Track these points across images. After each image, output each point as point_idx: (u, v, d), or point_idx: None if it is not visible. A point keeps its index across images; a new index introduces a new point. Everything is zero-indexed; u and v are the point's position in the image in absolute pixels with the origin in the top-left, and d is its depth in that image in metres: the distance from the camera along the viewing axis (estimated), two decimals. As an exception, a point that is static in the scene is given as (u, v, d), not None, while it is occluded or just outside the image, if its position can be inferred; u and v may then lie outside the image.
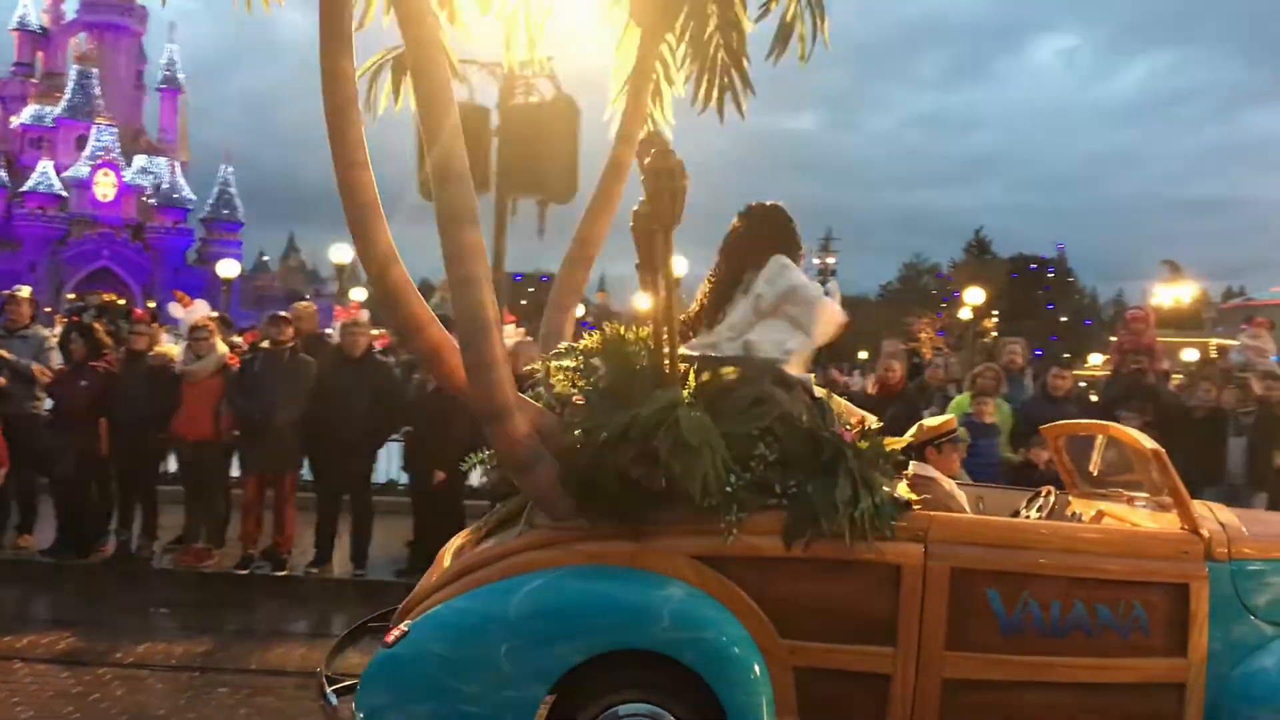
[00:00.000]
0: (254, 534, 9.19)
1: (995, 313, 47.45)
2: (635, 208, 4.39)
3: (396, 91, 5.84)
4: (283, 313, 9.67)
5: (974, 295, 35.07)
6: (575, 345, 4.77)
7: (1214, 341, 24.69)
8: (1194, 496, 4.70)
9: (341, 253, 31.43)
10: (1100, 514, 5.19)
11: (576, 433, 4.34)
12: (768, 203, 5.05)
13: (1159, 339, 14.99)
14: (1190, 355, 24.20)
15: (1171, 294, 40.14)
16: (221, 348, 9.46)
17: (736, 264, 4.95)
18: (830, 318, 4.87)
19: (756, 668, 4.21)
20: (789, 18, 4.75)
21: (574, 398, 4.56)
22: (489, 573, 4.44)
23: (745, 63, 4.97)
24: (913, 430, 5.39)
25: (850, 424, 4.61)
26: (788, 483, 4.33)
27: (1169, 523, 4.74)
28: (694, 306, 5.07)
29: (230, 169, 67.35)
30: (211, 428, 9.12)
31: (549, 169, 11.33)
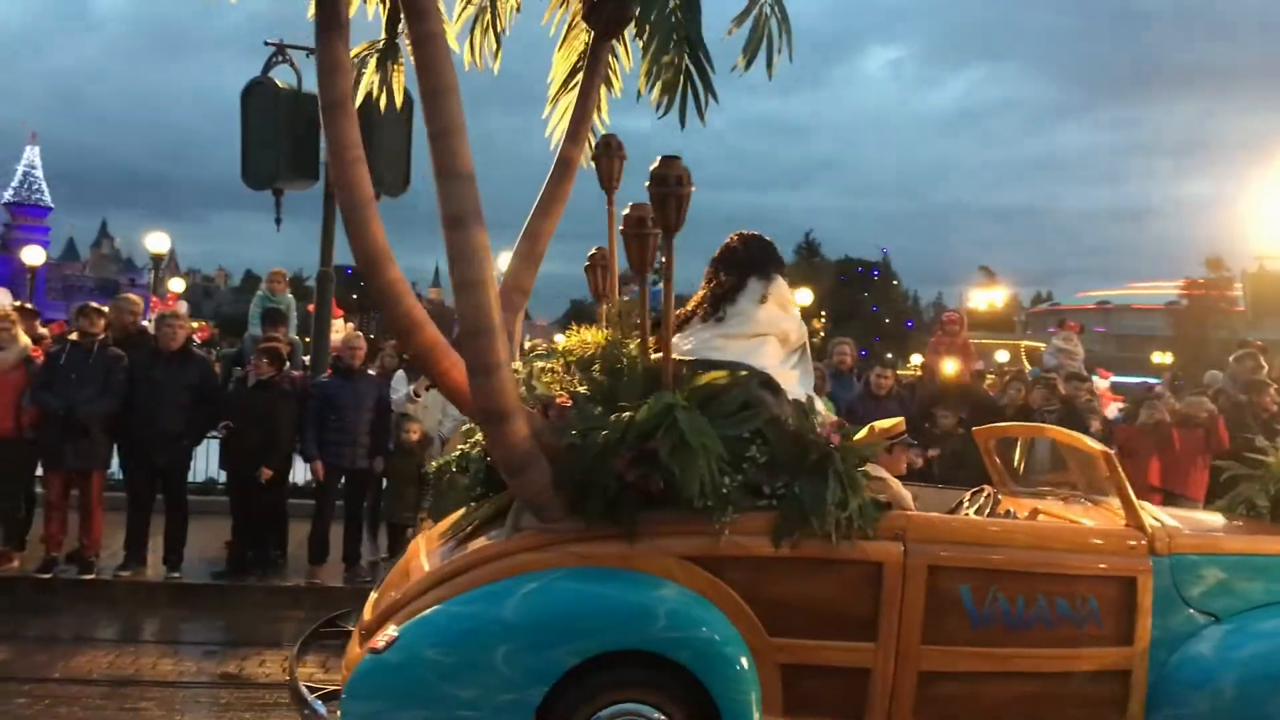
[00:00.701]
0: (58, 536, 8.70)
1: (823, 314, 48.82)
2: (626, 211, 4.47)
3: (384, 86, 5.77)
4: (93, 304, 9.17)
5: (803, 296, 36.08)
6: (555, 347, 4.84)
7: (1024, 343, 26.05)
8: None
9: (158, 241, 29.95)
10: (1035, 511, 5.43)
11: (573, 434, 4.38)
12: (754, 232, 5.32)
13: (974, 341, 15.71)
14: (1002, 356, 25.40)
15: (986, 298, 42.07)
16: (24, 339, 8.91)
17: (739, 273, 5.09)
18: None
19: (747, 665, 4.31)
20: (758, 33, 4.84)
21: (558, 399, 4.60)
22: (479, 575, 4.42)
23: (709, 71, 5.07)
24: (863, 432, 5.53)
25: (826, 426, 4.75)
26: (776, 484, 4.43)
27: (1104, 519, 5.04)
28: (688, 308, 5.20)
29: (36, 150, 63.67)
30: (12, 423, 8.59)
31: (380, 161, 11.11)
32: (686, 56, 5.02)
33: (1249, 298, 45.52)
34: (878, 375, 9.81)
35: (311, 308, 12.54)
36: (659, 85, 5.36)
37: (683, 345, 4.89)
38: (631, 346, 4.73)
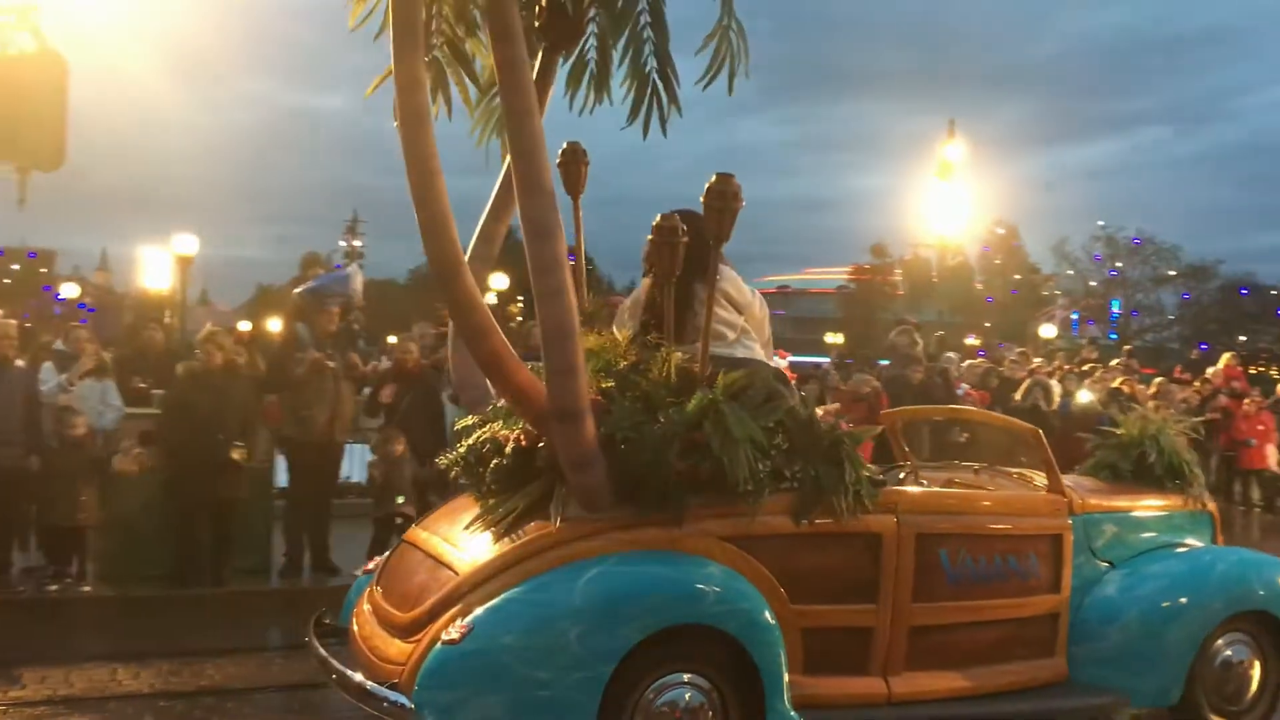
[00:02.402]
0: None
1: (520, 298, 49.03)
2: (657, 220, 4.83)
3: (443, 100, 5.96)
4: None
5: (499, 281, 36.11)
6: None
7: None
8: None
9: None
10: (950, 482, 6.10)
11: (626, 429, 4.70)
12: (686, 211, 5.09)
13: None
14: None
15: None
16: None
17: (685, 274, 5.08)
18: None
19: (778, 632, 4.74)
20: (720, 51, 5.37)
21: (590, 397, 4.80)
22: (537, 564, 4.67)
23: (675, 84, 5.53)
24: None
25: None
26: (794, 468, 4.90)
27: (1019, 486, 5.96)
28: (641, 313, 5.39)
29: None
30: None
31: (30, 132, 10.20)
32: (654, 71, 5.52)
33: (906, 282, 49.92)
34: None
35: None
36: (591, 90, 5.85)
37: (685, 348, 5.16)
38: (663, 350, 5.02)
